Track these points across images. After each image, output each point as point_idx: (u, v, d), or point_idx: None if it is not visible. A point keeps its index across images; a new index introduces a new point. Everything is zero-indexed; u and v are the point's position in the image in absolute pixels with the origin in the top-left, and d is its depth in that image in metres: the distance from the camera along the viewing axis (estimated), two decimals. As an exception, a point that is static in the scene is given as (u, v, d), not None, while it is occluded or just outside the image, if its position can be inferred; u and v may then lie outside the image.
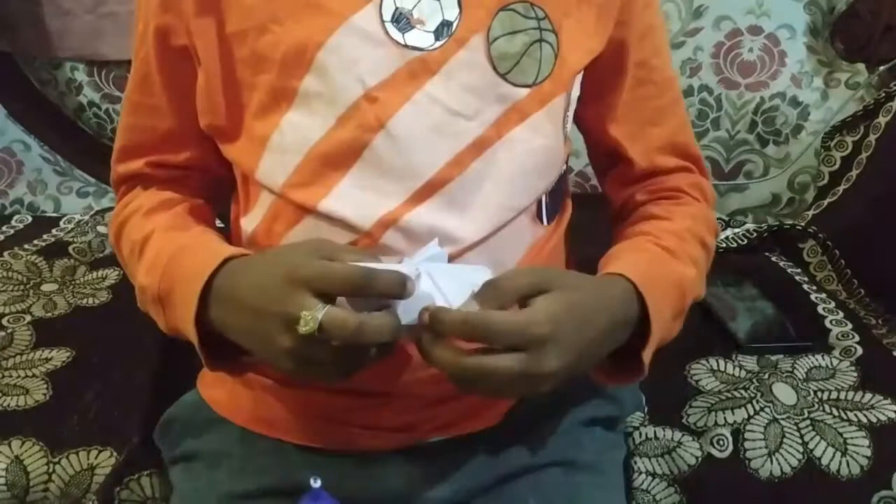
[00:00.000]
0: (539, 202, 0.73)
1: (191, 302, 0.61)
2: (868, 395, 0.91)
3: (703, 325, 1.05)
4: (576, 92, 0.74)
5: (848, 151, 1.32)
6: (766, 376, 0.95)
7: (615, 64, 0.75)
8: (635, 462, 0.88)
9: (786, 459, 0.85)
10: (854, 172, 1.29)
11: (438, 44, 0.66)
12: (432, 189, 0.67)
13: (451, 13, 0.67)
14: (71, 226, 1.36)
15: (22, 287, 1.15)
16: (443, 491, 0.72)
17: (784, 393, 0.92)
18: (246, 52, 0.68)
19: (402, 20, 0.66)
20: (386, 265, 0.58)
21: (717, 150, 1.39)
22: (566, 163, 0.77)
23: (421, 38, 0.66)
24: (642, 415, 0.91)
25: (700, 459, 0.87)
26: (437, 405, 0.71)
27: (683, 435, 0.89)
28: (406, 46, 0.66)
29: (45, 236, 1.32)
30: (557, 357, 0.57)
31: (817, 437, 0.86)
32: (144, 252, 0.70)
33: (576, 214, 0.81)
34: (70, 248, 1.26)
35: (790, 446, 0.86)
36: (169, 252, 0.67)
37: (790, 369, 0.96)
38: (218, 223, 0.81)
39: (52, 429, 0.88)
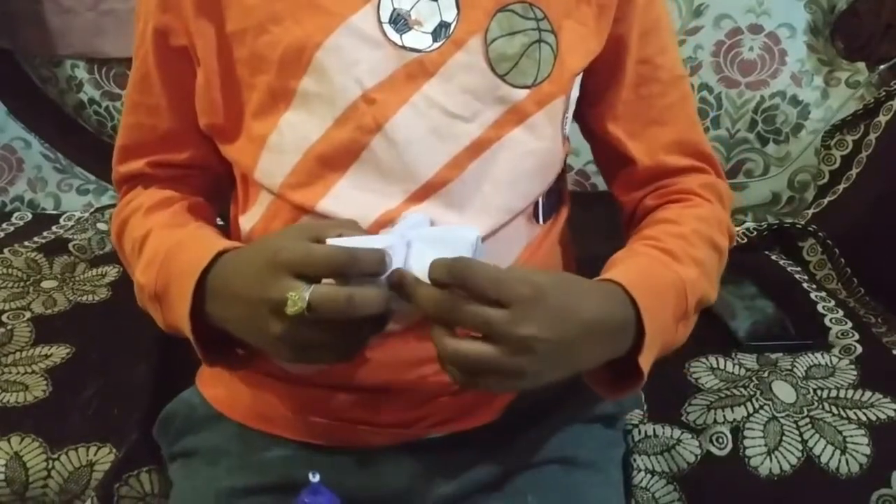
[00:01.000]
0: (536, 202, 0.73)
1: (185, 298, 0.61)
2: (867, 394, 0.91)
3: (703, 323, 1.04)
4: (575, 93, 0.74)
5: (848, 150, 1.32)
6: (766, 374, 0.94)
7: (613, 61, 0.74)
8: (634, 460, 0.88)
9: (785, 457, 0.85)
10: (854, 171, 1.29)
11: (436, 45, 0.66)
12: (430, 190, 0.67)
13: (449, 14, 0.66)
14: (71, 223, 1.36)
15: (22, 284, 1.15)
16: (442, 487, 0.72)
17: (783, 391, 0.92)
18: (245, 52, 0.68)
19: (400, 21, 0.66)
20: (371, 237, 0.59)
21: (717, 148, 1.39)
22: (564, 163, 0.77)
23: (419, 39, 0.66)
24: (642, 412, 0.91)
25: (699, 457, 0.87)
26: (435, 401, 0.71)
27: (683, 433, 0.88)
28: (404, 48, 0.66)
29: (45, 233, 1.32)
30: (537, 324, 0.54)
31: (817, 436, 0.86)
32: (143, 250, 0.70)
33: (575, 213, 0.81)
34: (70, 246, 1.26)
35: (789, 444, 0.86)
36: (165, 249, 0.67)
37: (790, 367, 0.96)
38: (219, 221, 0.81)
39: (52, 425, 0.88)
